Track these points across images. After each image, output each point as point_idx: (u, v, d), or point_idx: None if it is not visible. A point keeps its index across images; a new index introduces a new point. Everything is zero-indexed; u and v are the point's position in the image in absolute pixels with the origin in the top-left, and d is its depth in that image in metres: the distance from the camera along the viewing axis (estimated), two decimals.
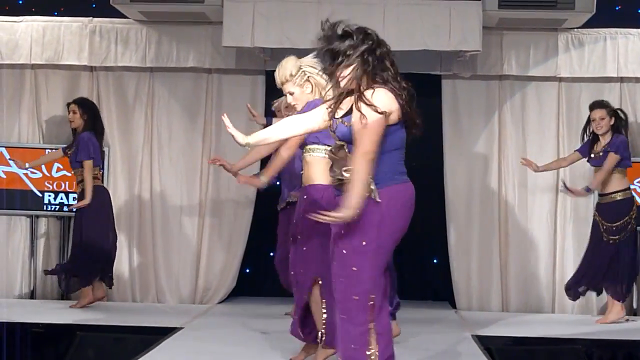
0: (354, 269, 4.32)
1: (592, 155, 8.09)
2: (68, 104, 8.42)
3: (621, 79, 8.91)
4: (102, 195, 8.29)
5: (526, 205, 8.96)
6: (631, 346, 7.11)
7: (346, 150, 4.38)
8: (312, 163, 5.43)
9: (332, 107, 4.48)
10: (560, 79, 8.95)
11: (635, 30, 8.79)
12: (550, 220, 8.94)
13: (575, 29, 8.78)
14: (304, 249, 5.50)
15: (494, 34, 8.74)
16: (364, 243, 4.32)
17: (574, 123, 8.92)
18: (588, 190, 7.97)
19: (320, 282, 5.44)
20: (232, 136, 4.57)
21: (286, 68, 5.47)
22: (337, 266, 4.40)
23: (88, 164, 8.10)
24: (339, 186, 4.42)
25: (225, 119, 4.63)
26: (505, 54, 8.83)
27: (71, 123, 8.35)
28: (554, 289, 8.88)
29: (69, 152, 8.29)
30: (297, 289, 5.61)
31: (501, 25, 8.67)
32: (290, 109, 5.80)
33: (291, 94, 5.49)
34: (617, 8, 9.02)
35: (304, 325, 5.65)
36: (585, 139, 8.17)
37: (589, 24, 8.60)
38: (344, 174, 4.36)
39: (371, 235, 4.33)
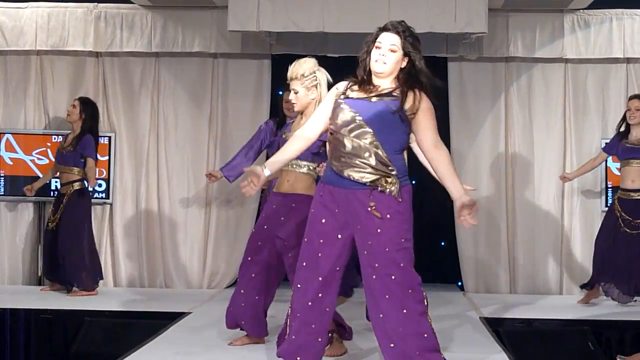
0: (402, 264, 4.39)
1: (628, 146, 7.89)
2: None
3: (627, 60, 8.90)
4: (82, 197, 8.30)
5: (533, 187, 8.95)
6: (639, 327, 7.11)
7: (371, 133, 4.41)
8: (294, 173, 5.56)
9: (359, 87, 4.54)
10: (567, 60, 8.93)
11: None
12: (557, 202, 8.93)
13: (581, 10, 8.75)
14: (289, 255, 5.56)
15: (499, 15, 8.71)
16: (402, 240, 4.41)
17: (580, 104, 8.91)
18: None
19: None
20: (251, 171, 4.55)
21: (301, 67, 5.47)
22: (383, 264, 4.40)
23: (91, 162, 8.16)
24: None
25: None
26: (511, 36, 8.81)
27: (68, 116, 8.34)
28: (561, 271, 8.89)
29: (65, 148, 8.28)
30: None
31: (507, 7, 8.64)
32: (289, 106, 5.82)
33: (295, 92, 5.50)
34: None
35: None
36: (618, 130, 8.02)
37: (594, 5, 8.58)
38: (368, 176, 4.41)
39: (408, 232, 4.45)
